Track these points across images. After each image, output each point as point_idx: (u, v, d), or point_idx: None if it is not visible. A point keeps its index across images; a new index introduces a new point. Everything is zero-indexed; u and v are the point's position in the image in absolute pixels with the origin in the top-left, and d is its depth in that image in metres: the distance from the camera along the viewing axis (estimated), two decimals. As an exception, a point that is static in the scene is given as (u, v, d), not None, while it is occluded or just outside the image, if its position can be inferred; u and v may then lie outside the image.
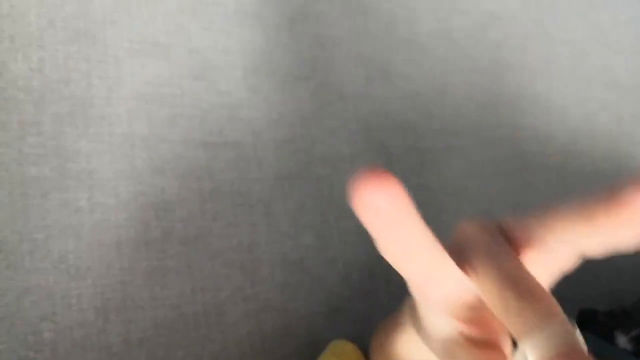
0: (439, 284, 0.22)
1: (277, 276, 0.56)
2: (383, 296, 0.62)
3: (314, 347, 0.55)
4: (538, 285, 0.20)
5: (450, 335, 0.24)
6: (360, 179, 0.18)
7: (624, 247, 0.20)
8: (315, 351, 0.54)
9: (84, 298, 0.46)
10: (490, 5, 0.90)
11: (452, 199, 0.73)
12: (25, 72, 0.49)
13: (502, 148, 0.81)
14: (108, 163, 0.50)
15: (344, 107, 0.67)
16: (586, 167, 0.94)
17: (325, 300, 0.58)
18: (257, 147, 0.59)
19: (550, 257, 0.24)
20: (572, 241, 0.20)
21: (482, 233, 0.25)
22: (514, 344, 0.23)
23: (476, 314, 0.23)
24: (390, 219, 0.18)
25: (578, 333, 0.21)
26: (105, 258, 0.48)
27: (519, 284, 0.20)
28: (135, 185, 0.51)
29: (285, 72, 0.63)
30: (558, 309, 0.19)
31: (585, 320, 0.57)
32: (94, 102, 0.51)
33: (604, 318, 0.56)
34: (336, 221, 0.62)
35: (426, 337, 0.27)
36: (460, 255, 0.25)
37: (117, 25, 0.54)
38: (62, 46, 0.51)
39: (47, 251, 0.46)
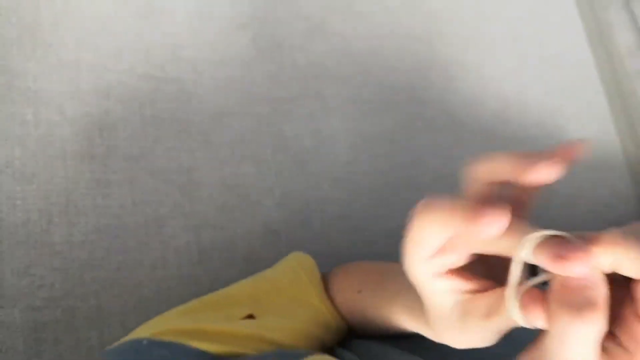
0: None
1: (215, 198, 0.60)
2: (317, 225, 0.67)
3: (250, 264, 0.60)
4: None
5: (455, 302, 0.26)
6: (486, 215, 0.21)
7: None
8: (251, 267, 0.58)
9: (29, 200, 0.50)
10: (423, -18, 0.98)
11: (385, 147, 0.79)
12: (-25, -3, 0.53)
13: (434, 107, 0.88)
14: (54, 84, 0.54)
15: (281, 55, 0.72)
16: (517, 133, 1.03)
17: (261, 223, 0.62)
18: (197, 84, 0.64)
19: None
20: None
21: None
22: None
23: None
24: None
25: None
26: (50, 167, 0.51)
27: None
28: (81, 106, 0.55)
29: (227, 19, 0.69)
30: None
31: None
32: (42, 29, 0.55)
33: None
34: (273, 154, 0.67)
35: (438, 318, 0.28)
36: None
37: (65, -36, 0.59)
38: (12, -23, 0.55)
39: (-7, 156, 0.49)
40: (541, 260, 0.20)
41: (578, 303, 0.19)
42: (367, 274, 0.42)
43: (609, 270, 0.21)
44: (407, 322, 0.33)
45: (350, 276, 0.44)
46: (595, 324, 0.19)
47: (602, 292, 0.20)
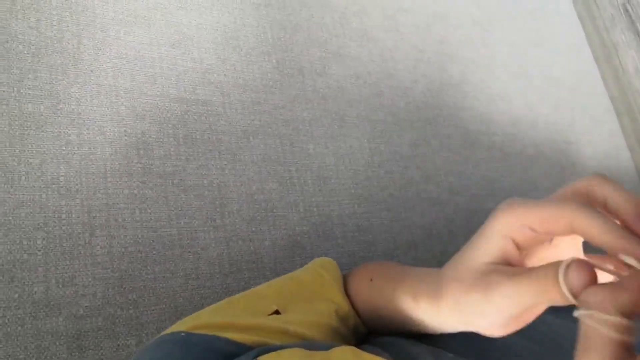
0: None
1: (243, 212, 0.63)
2: (339, 237, 0.70)
3: (276, 273, 0.62)
4: None
5: (491, 259, 0.30)
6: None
7: None
8: (277, 276, 0.61)
9: (73, 214, 0.53)
10: (435, 6, 1.03)
11: (400, 164, 0.82)
12: (24, 29, 0.57)
13: (447, 125, 0.92)
14: (95, 107, 0.58)
15: (302, 80, 0.77)
16: (528, 149, 1.05)
17: (287, 236, 0.65)
18: (225, 105, 0.68)
19: None
20: None
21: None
22: None
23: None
24: None
25: None
26: (92, 184, 0.55)
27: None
28: (119, 127, 0.59)
29: (250, 47, 0.73)
30: None
31: None
32: (83, 58, 0.60)
33: None
34: (297, 172, 0.70)
35: (457, 274, 0.32)
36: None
37: (104, -2, 0.64)
38: (56, 11, 0.60)
39: (41, 173, 0.53)
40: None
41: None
42: (379, 267, 0.45)
43: None
44: (410, 303, 0.36)
45: (364, 270, 0.47)
46: None
47: None
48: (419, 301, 0.36)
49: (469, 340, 0.40)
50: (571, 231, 0.26)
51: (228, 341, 0.37)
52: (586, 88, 1.29)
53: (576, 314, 0.22)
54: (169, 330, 0.40)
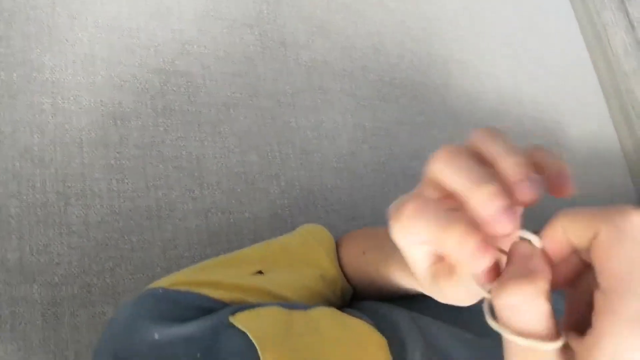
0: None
1: (223, 184, 0.63)
2: (321, 211, 0.69)
3: (257, 246, 0.62)
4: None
5: (429, 264, 0.28)
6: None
7: None
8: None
9: (47, 183, 0.53)
10: (421, -15, 1.02)
11: (384, 140, 0.81)
12: (-2, -5, 0.56)
13: (433, 102, 0.91)
14: (70, 76, 0.57)
15: (285, 52, 0.76)
16: (515, 127, 1.05)
17: (267, 208, 0.65)
18: (205, 77, 0.67)
19: None
20: None
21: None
22: None
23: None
24: None
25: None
26: (67, 153, 0.55)
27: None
28: (96, 97, 0.58)
29: (232, 19, 0.72)
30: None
31: None
32: (58, 26, 0.59)
33: None
34: (278, 145, 0.69)
35: (420, 277, 0.30)
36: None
37: (80, -35, 0.62)
38: (31, -23, 0.59)
39: (14, 141, 0.52)
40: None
41: (521, 272, 0.21)
42: (370, 238, 0.45)
43: (564, 243, 0.21)
44: (402, 279, 0.36)
45: (356, 240, 0.47)
46: (535, 288, 0.20)
47: (540, 262, 0.21)
48: (409, 277, 0.36)
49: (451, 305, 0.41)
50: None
51: (205, 297, 0.37)
52: (575, 68, 1.29)
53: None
54: (149, 286, 0.40)
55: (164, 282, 0.38)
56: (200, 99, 0.65)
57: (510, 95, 1.07)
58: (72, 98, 0.57)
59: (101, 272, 0.53)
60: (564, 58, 1.28)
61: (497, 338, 0.38)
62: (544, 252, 0.22)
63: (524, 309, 0.20)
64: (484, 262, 0.21)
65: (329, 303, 0.44)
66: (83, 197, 0.54)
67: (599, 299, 0.19)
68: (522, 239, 0.22)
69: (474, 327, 0.39)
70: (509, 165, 0.23)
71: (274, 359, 0.30)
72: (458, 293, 0.28)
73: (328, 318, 0.36)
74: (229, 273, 0.41)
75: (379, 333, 0.35)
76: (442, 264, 0.28)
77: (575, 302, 0.22)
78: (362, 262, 0.44)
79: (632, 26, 1.35)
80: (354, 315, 0.38)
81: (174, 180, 0.60)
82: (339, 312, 0.37)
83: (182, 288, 0.37)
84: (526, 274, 0.20)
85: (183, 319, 0.35)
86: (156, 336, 0.33)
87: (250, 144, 0.67)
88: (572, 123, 1.18)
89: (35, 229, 0.51)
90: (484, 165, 0.24)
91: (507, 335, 0.21)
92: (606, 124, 1.29)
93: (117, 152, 0.57)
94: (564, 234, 0.21)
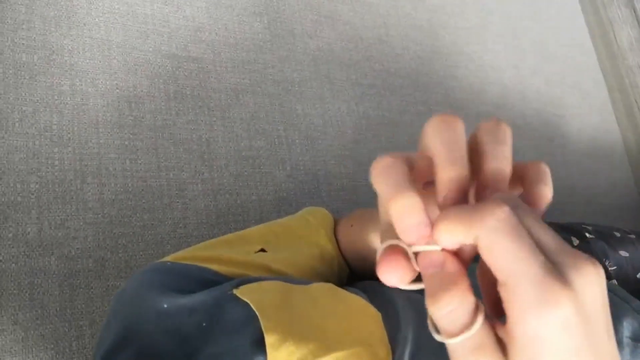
0: None
1: (231, 167, 0.65)
2: (325, 195, 0.72)
3: (262, 227, 0.65)
4: None
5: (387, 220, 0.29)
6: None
7: None
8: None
9: (65, 161, 0.55)
10: (429, -24, 1.03)
11: (387, 128, 0.84)
12: (19, -20, 0.58)
13: (436, 92, 0.93)
14: (88, 59, 0.60)
15: (293, 41, 0.78)
16: (517, 120, 1.07)
17: (273, 191, 0.68)
18: (216, 63, 0.69)
19: None
20: None
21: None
22: None
23: None
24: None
25: None
26: (84, 133, 0.57)
27: None
28: (111, 80, 0.61)
29: (242, 7, 0.74)
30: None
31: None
32: (76, 11, 0.61)
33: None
34: (285, 131, 0.72)
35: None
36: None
37: (97, -48, 0.64)
38: (51, -37, 0.61)
39: (35, 121, 0.55)
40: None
41: (442, 280, 0.21)
42: (359, 215, 0.48)
43: (457, 238, 0.21)
44: (376, 240, 0.38)
45: (347, 217, 0.50)
46: (462, 289, 0.20)
47: (452, 262, 0.21)
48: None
49: None
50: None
51: (210, 271, 0.39)
52: (579, 62, 1.30)
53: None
54: (157, 261, 0.42)
55: (170, 258, 0.41)
56: (211, 84, 0.67)
57: (514, 87, 1.09)
58: (89, 80, 0.59)
59: (115, 247, 0.55)
60: (568, 51, 1.29)
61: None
62: (447, 252, 0.21)
63: (459, 312, 0.20)
64: (413, 241, 0.21)
65: (327, 280, 0.46)
66: (99, 175, 0.57)
67: (501, 291, 0.19)
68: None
69: None
70: (489, 170, 0.23)
71: (273, 327, 0.33)
72: None
73: (326, 292, 0.39)
74: (232, 251, 0.43)
75: (373, 307, 0.38)
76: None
77: (488, 286, 0.22)
78: (350, 235, 0.47)
79: (639, 21, 1.36)
80: (349, 291, 0.40)
81: (185, 162, 0.62)
82: (336, 287, 0.40)
83: (188, 262, 0.40)
84: (448, 280, 0.21)
85: (189, 291, 0.37)
86: (165, 305, 0.35)
87: (258, 129, 0.69)
88: (575, 116, 1.20)
89: (53, 204, 0.53)
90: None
91: (453, 341, 0.20)
92: (609, 118, 1.30)
93: (131, 134, 0.60)
94: (452, 238, 0.21)
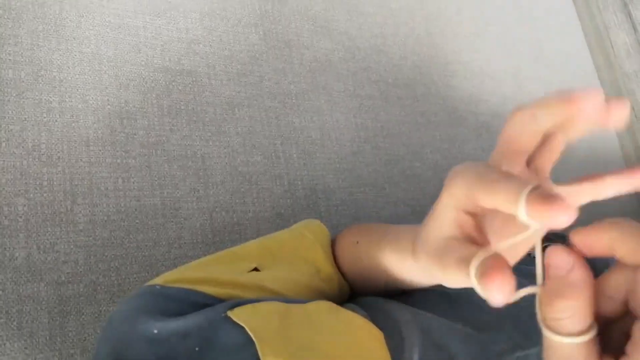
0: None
1: (227, 184, 0.63)
2: (323, 210, 0.70)
3: (260, 246, 0.63)
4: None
5: (454, 234, 0.27)
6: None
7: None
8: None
9: (55, 182, 0.53)
10: (425, -16, 1.02)
11: (386, 140, 0.82)
12: (5, -7, 0.56)
13: (435, 103, 0.92)
14: (78, 75, 0.58)
15: (289, 53, 0.76)
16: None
17: (270, 208, 0.66)
18: (210, 76, 0.67)
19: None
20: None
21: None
22: None
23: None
24: None
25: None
26: (74, 152, 0.55)
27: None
28: (102, 96, 0.58)
29: (237, 18, 0.72)
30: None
31: None
32: (65, 24, 0.59)
33: None
34: (282, 145, 0.70)
35: (424, 239, 0.30)
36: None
37: (87, -37, 0.62)
38: (39, -25, 0.59)
39: (22, 140, 0.53)
40: (531, 211, 0.20)
41: (563, 285, 0.21)
42: (362, 231, 0.46)
43: (605, 251, 0.21)
44: (390, 254, 0.37)
45: (349, 234, 0.48)
46: (579, 303, 0.20)
47: (581, 275, 0.21)
48: (397, 252, 0.36)
49: (450, 300, 0.41)
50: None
51: (201, 294, 0.37)
52: (576, 69, 1.29)
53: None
54: (146, 284, 0.40)
55: (159, 280, 0.39)
56: (206, 99, 0.66)
57: (512, 95, 1.08)
58: (79, 96, 0.57)
59: (107, 270, 0.53)
60: (565, 58, 1.28)
61: (495, 333, 0.39)
62: (577, 257, 0.21)
63: (567, 322, 0.20)
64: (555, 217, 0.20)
65: (326, 299, 0.45)
66: (90, 195, 0.54)
67: (636, 329, 0.19)
68: (552, 241, 0.22)
69: (472, 321, 0.40)
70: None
71: (271, 352, 0.31)
72: (454, 279, 0.26)
73: (324, 311, 0.37)
74: (224, 270, 0.41)
75: (374, 326, 0.36)
76: (459, 246, 0.26)
77: (605, 308, 0.22)
78: (355, 252, 0.45)
79: (635, 28, 1.36)
80: (350, 310, 0.38)
81: (179, 179, 0.60)
82: (335, 306, 0.38)
83: (179, 285, 0.38)
84: (570, 289, 0.20)
85: (180, 315, 0.35)
86: (155, 331, 0.34)
87: (254, 143, 0.67)
88: (573, 124, 1.19)
89: (42, 227, 0.51)
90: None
91: (550, 335, 0.21)
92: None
93: (124, 151, 0.58)
94: (607, 243, 0.21)
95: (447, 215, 0.28)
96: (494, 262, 0.21)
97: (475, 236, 0.28)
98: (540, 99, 0.26)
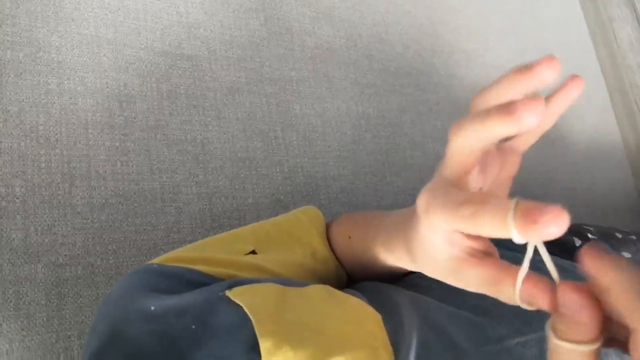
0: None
1: (227, 169, 0.63)
2: (323, 198, 0.70)
3: (259, 232, 0.63)
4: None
5: (454, 254, 0.27)
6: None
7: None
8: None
9: (53, 164, 0.53)
10: (429, -27, 1.01)
11: (387, 129, 0.81)
12: (4, -27, 0.56)
13: (437, 92, 0.91)
14: (76, 57, 0.57)
15: (290, 39, 0.75)
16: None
17: (270, 194, 0.65)
18: (211, 61, 0.67)
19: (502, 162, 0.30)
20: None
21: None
22: None
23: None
24: None
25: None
26: (73, 134, 0.55)
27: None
28: (101, 78, 0.58)
29: (238, 3, 0.72)
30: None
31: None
32: (64, 6, 0.58)
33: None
34: (282, 132, 0.69)
35: (425, 261, 0.30)
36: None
37: (87, -55, 0.62)
38: (38, -44, 0.58)
39: (20, 121, 0.52)
40: (523, 232, 0.20)
41: (574, 322, 0.21)
42: (355, 223, 0.46)
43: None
44: (385, 256, 0.36)
45: (341, 227, 0.48)
46: (589, 345, 0.20)
47: (590, 315, 0.21)
48: (392, 254, 0.36)
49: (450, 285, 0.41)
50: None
51: (199, 273, 0.37)
52: (579, 61, 1.29)
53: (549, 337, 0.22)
54: (144, 264, 0.40)
55: (157, 260, 0.39)
56: (206, 83, 0.65)
57: (514, 87, 1.07)
58: (78, 79, 0.57)
59: (105, 253, 0.53)
60: (568, 50, 1.27)
61: (495, 318, 0.39)
62: (591, 298, 0.21)
63: (579, 331, 0.21)
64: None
65: (323, 280, 0.44)
66: (88, 178, 0.54)
67: (635, 335, 0.19)
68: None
69: (473, 306, 0.39)
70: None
71: (268, 332, 0.31)
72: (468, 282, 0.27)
73: (322, 293, 0.37)
74: (223, 250, 0.41)
75: (372, 309, 0.36)
76: (472, 267, 0.26)
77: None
78: (349, 247, 0.45)
79: (639, 21, 1.35)
80: (347, 292, 0.38)
81: (178, 164, 0.60)
82: (332, 289, 0.38)
83: (176, 264, 0.38)
84: (579, 330, 0.21)
85: (177, 293, 0.35)
86: (152, 308, 0.34)
87: (254, 129, 0.67)
88: (575, 116, 1.18)
89: (40, 209, 0.51)
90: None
91: (557, 342, 0.21)
92: (609, 118, 1.29)
93: (122, 135, 0.57)
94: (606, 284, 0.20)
95: (437, 244, 0.27)
96: (538, 283, 0.23)
97: (473, 245, 0.27)
98: (478, 112, 0.24)
